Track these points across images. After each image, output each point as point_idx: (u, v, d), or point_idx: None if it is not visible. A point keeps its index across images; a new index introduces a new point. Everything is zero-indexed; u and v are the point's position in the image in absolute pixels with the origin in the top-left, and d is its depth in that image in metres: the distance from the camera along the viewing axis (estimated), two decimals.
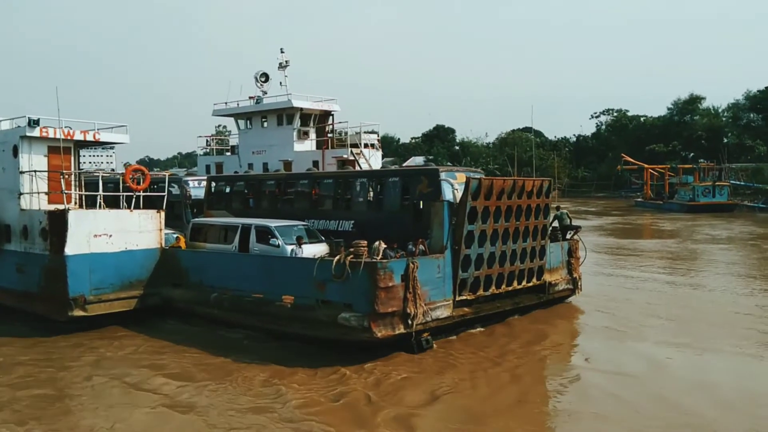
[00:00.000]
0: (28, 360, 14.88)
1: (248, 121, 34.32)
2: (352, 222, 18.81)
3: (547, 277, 19.13)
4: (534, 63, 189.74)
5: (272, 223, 17.87)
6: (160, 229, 18.95)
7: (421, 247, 15.47)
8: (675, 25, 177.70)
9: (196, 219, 20.26)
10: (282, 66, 34.53)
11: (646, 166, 74.92)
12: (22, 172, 18.37)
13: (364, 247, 14.67)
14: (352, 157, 29.42)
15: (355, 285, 14.27)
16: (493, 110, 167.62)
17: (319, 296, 15.07)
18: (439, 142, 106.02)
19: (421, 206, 17.32)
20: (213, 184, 23.17)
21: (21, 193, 18.42)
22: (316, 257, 16.07)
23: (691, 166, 71.51)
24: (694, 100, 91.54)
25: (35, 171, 18.20)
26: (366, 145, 30.48)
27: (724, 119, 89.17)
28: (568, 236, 20.74)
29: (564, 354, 15.64)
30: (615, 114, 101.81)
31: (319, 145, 31.83)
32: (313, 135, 32.52)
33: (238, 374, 13.52)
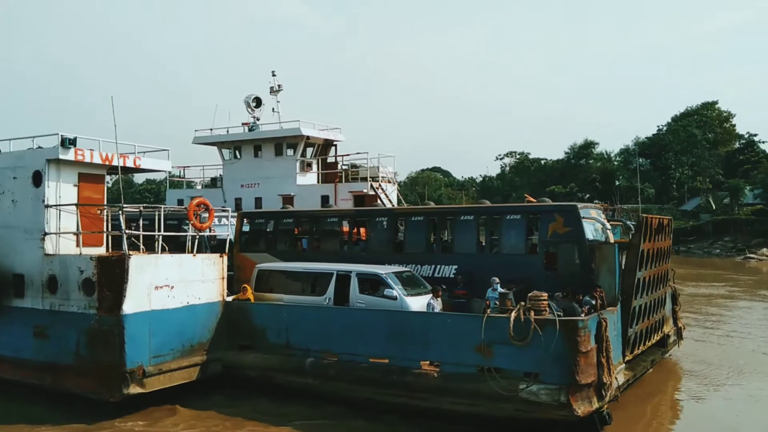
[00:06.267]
0: None
1: (236, 151, 30.50)
2: (455, 267, 15.90)
3: (665, 329, 17.09)
4: (443, 106, 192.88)
5: (381, 270, 14.64)
6: (223, 278, 15.21)
7: (599, 299, 12.86)
8: (574, 72, 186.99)
9: (261, 265, 16.53)
10: (274, 90, 31.24)
11: None
12: (48, 206, 14.12)
13: (545, 300, 11.88)
14: (372, 192, 26.39)
15: (546, 349, 11.39)
16: (402, 149, 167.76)
17: (483, 363, 12.00)
18: None
19: (552, 248, 14.81)
20: (246, 221, 19.50)
21: (46, 233, 14.12)
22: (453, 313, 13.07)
23: None
24: (589, 145, 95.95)
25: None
26: (382, 179, 27.52)
27: (616, 163, 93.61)
28: None
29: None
30: (518, 156, 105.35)
31: (326, 178, 28.55)
32: (315, 167, 29.21)
33: None
